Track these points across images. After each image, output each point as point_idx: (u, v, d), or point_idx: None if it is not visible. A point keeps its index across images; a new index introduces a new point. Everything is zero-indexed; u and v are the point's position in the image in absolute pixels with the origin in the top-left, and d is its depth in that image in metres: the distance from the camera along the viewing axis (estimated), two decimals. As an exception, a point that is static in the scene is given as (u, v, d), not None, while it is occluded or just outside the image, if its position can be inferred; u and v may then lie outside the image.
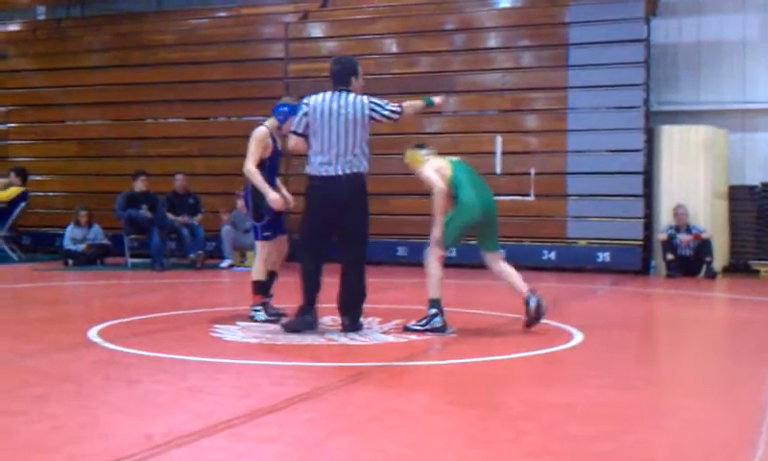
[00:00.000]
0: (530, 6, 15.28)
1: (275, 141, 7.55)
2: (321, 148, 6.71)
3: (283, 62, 16.07)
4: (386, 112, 6.84)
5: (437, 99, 7.20)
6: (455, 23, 15.45)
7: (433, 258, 6.95)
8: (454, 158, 7.30)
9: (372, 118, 6.78)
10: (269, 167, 7.52)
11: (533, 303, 6.91)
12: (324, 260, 6.88)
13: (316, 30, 16.27)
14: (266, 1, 17.06)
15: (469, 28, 15.36)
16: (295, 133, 6.87)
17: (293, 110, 7.15)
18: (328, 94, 6.83)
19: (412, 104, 7.09)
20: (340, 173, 6.67)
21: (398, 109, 6.89)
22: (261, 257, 7.55)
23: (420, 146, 7.36)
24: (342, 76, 6.92)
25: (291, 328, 6.75)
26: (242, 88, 16.11)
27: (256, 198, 7.45)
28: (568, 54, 14.44)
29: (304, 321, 6.76)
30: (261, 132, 7.49)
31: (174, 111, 16.83)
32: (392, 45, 15.72)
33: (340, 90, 6.84)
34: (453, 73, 15.11)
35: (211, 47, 16.56)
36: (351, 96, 6.79)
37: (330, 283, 6.92)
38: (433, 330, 6.79)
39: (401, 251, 14.74)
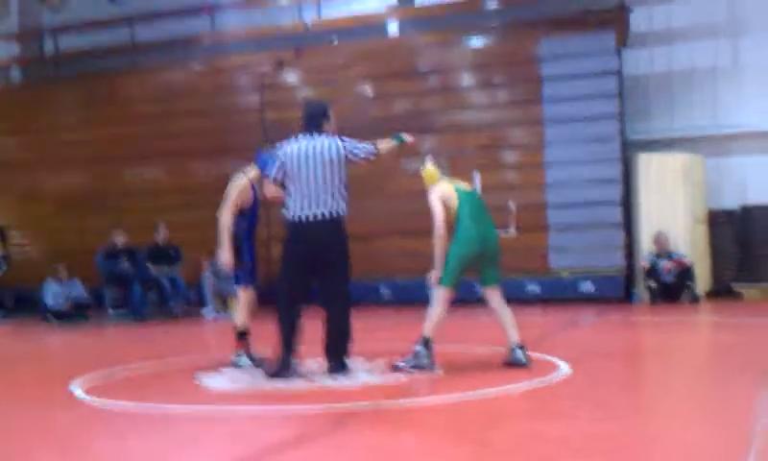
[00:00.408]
0: (502, 43, 15.41)
1: (255, 191, 7.53)
2: (299, 193, 6.69)
3: (260, 111, 16.12)
4: (362, 156, 6.85)
5: (408, 137, 7.21)
6: (429, 64, 15.57)
7: (439, 298, 6.92)
8: (463, 187, 7.27)
9: (348, 159, 6.79)
10: (249, 217, 7.51)
11: (519, 356, 6.90)
12: (303, 306, 6.82)
13: (291, 77, 16.36)
14: (241, 52, 17.11)
15: (444, 69, 15.48)
16: (273, 180, 6.85)
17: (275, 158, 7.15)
18: (303, 140, 6.82)
19: (385, 143, 7.08)
20: (319, 216, 6.65)
21: (373, 151, 6.91)
22: (244, 304, 7.52)
23: (437, 162, 7.31)
24: (314, 119, 6.91)
25: (272, 375, 6.68)
26: (220, 138, 16.15)
27: (238, 246, 7.42)
28: (543, 89, 14.56)
29: (285, 368, 6.68)
30: (241, 182, 7.48)
31: (152, 164, 16.82)
32: (367, 89, 15.80)
33: (313, 134, 6.84)
34: (430, 113, 15.20)
35: (187, 99, 16.61)
36: (326, 139, 6.80)
37: (311, 324, 6.87)
38: (420, 368, 6.75)
39: (385, 291, 14.72)
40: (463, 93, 15.36)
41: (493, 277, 7.16)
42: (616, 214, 14.01)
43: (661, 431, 4.84)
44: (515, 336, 6.97)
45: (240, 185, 7.44)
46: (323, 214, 6.63)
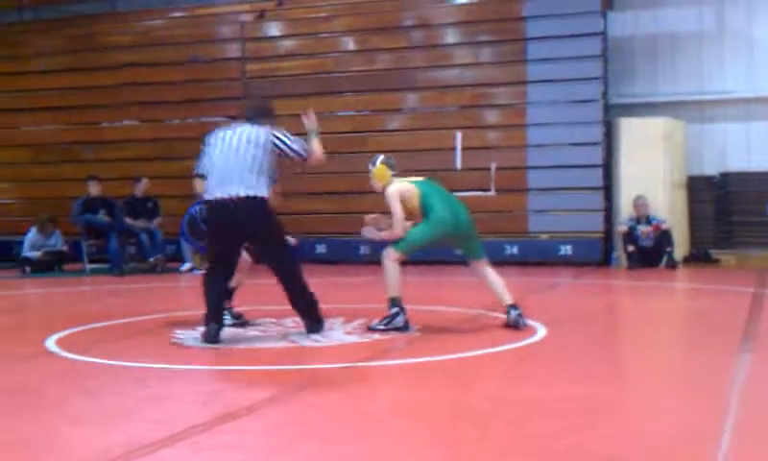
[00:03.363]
0: (488, 1, 15.29)
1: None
2: (211, 174, 6.56)
3: (240, 62, 15.94)
4: (293, 148, 6.59)
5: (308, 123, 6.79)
6: (413, 20, 15.42)
7: (390, 259, 6.84)
8: (419, 179, 7.14)
9: (274, 146, 6.55)
10: None
11: (513, 316, 6.89)
12: (229, 275, 6.68)
13: (273, 29, 16.16)
14: (222, 0, 16.88)
15: (428, 24, 15.34)
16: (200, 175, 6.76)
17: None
18: (228, 130, 6.66)
19: (314, 145, 6.73)
20: (227, 196, 6.39)
21: (303, 151, 6.62)
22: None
23: (389, 162, 7.09)
24: (253, 112, 6.81)
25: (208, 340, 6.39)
26: (199, 89, 15.97)
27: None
28: (527, 48, 14.48)
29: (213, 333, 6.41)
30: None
31: (129, 114, 16.62)
32: (350, 43, 15.65)
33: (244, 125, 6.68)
34: (412, 70, 15.10)
35: (167, 48, 16.38)
36: (250, 127, 6.61)
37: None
38: (396, 329, 6.73)
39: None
40: (446, 50, 15.24)
41: (477, 250, 7.18)
42: (597, 177, 14.01)
43: (634, 396, 4.86)
44: (507, 298, 6.97)
45: None
46: (232, 194, 6.38)
